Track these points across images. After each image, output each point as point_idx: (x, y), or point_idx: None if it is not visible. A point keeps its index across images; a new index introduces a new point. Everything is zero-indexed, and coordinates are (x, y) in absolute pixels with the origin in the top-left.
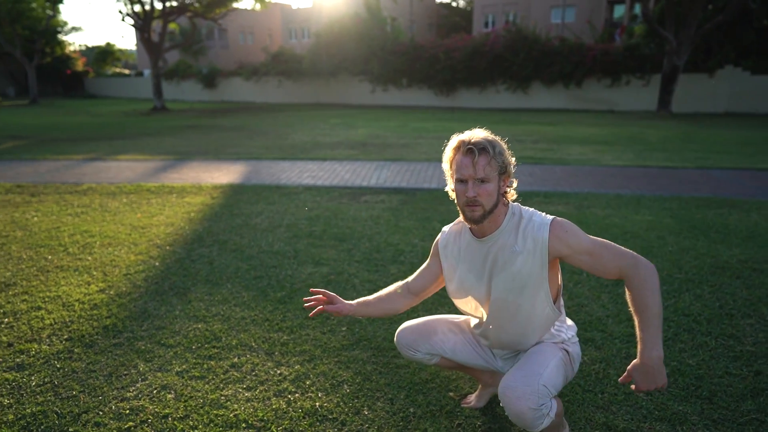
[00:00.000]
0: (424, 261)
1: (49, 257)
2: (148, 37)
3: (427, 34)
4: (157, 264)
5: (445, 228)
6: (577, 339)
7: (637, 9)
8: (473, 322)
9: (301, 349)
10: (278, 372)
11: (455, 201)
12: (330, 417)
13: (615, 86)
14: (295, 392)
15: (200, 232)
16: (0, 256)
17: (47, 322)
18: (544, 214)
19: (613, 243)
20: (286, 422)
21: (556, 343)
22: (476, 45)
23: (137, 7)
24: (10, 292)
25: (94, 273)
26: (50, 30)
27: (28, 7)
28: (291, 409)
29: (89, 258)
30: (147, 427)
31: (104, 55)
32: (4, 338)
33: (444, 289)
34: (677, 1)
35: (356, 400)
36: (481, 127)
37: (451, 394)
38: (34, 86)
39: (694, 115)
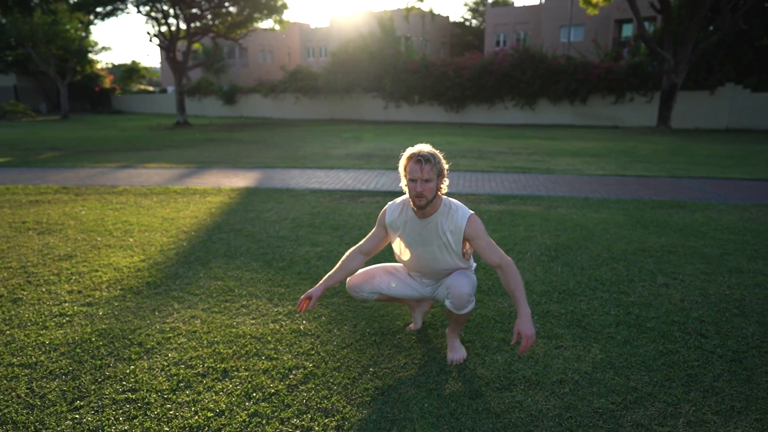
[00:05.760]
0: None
1: (99, 239)
2: (173, 57)
3: (441, 52)
4: (185, 244)
5: (390, 204)
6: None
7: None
8: (408, 266)
9: (293, 297)
10: (275, 310)
11: (407, 193)
12: (309, 333)
13: (619, 103)
14: (286, 320)
15: (219, 222)
16: (60, 237)
17: (104, 279)
18: (465, 207)
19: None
20: (278, 335)
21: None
22: (485, 63)
23: (164, 29)
24: (73, 261)
25: (136, 249)
26: (82, 50)
27: (62, 29)
28: (282, 329)
29: (131, 239)
30: (182, 337)
31: (130, 72)
32: (75, 287)
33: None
34: (676, 21)
35: (329, 324)
36: (486, 140)
37: (398, 322)
38: (66, 102)
39: (694, 131)
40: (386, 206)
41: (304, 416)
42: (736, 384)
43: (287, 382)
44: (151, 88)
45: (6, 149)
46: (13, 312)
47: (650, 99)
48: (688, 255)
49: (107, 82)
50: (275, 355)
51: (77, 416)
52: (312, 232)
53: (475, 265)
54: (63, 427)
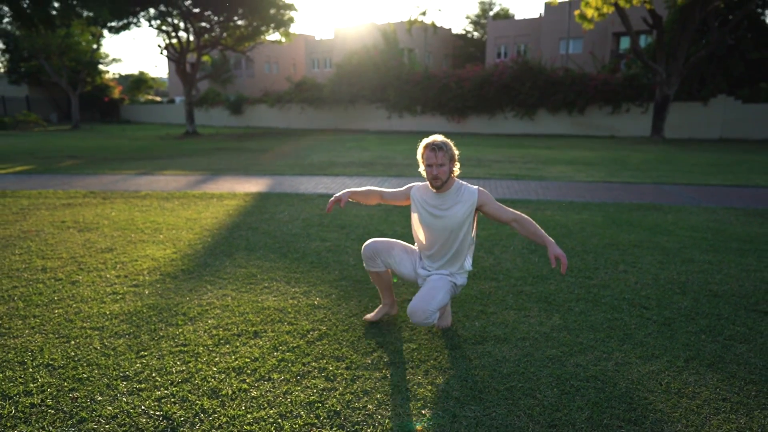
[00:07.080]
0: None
1: (132, 235)
2: (183, 68)
3: (444, 64)
4: (209, 240)
5: (415, 184)
6: (466, 273)
7: (642, 42)
8: (421, 243)
9: (307, 280)
10: (293, 290)
11: (425, 176)
12: (322, 307)
13: (616, 113)
14: (303, 297)
15: (238, 222)
16: (99, 234)
17: (144, 266)
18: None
19: None
20: (296, 308)
21: (450, 277)
22: (485, 75)
23: (174, 41)
24: (114, 253)
25: (167, 244)
26: (93, 61)
27: (75, 42)
28: (299, 303)
29: (161, 236)
30: (217, 309)
31: (138, 83)
32: (121, 273)
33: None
34: (669, 36)
35: (339, 300)
36: (485, 149)
37: (397, 299)
38: (77, 112)
39: (687, 141)
40: (412, 185)
41: (321, 361)
42: (660, 339)
43: (306, 339)
44: (158, 99)
45: (27, 158)
46: (74, 291)
47: (645, 110)
48: (650, 249)
49: (116, 93)
50: (295, 322)
51: (144, 361)
52: (321, 230)
53: (470, 267)
54: (135, 368)
